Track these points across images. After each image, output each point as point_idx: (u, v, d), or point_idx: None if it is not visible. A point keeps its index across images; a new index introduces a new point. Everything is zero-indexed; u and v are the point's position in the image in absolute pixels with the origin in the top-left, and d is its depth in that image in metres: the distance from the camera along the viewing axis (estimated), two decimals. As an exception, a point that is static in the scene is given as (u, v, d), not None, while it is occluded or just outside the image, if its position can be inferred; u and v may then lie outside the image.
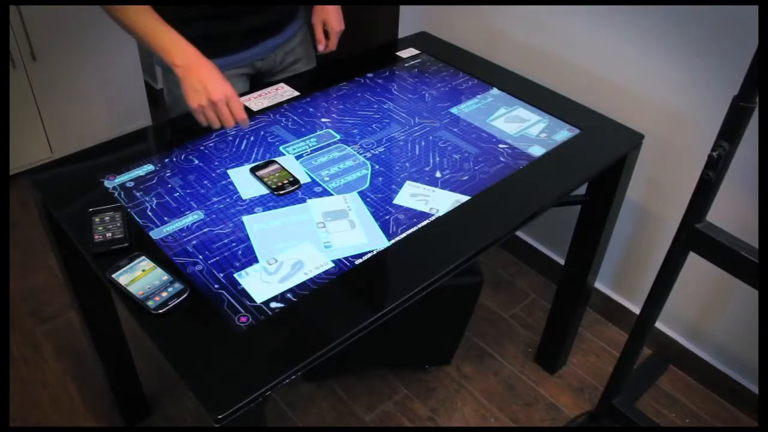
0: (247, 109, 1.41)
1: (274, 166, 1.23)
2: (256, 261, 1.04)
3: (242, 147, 1.30)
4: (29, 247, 2.14)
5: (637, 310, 1.75)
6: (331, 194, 1.19)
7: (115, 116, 2.50)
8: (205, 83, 1.17)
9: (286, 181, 1.20)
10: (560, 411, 1.71)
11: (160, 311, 0.93)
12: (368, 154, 1.30)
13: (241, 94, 1.46)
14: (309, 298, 0.98)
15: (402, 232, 1.11)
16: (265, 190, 1.18)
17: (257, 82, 1.54)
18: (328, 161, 1.27)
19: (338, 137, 1.34)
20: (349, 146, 1.32)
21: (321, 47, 1.57)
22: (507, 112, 1.46)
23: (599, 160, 1.33)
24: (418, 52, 1.70)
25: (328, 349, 0.91)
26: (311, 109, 1.43)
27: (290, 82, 1.52)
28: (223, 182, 1.20)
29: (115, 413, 1.63)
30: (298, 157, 1.28)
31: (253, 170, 1.22)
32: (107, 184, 1.19)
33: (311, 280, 1.01)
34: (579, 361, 1.85)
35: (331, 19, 1.53)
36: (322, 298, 0.98)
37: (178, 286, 0.97)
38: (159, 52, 1.19)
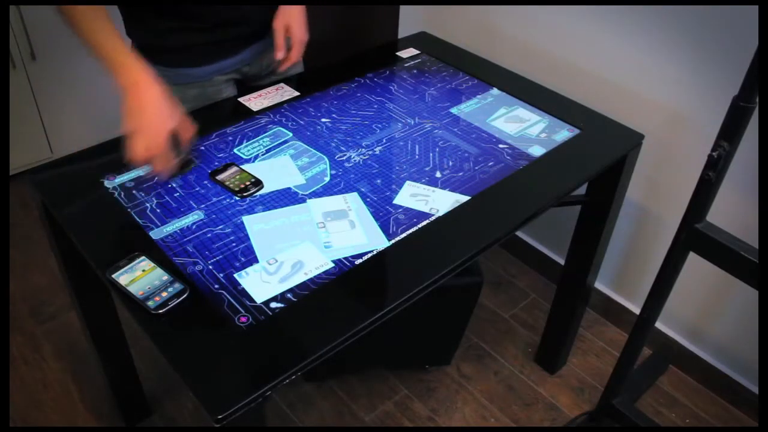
0: (247, 109, 1.41)
1: (233, 169, 1.22)
2: (256, 261, 1.04)
3: (242, 146, 1.30)
4: (29, 247, 2.13)
5: (637, 310, 1.75)
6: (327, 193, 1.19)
7: (115, 116, 2.46)
8: (145, 107, 1.04)
9: (248, 183, 1.19)
10: (560, 411, 1.71)
11: (160, 311, 0.93)
12: (368, 154, 1.30)
13: (235, 97, 1.46)
14: (309, 298, 0.98)
15: (402, 232, 1.11)
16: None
17: (244, 86, 1.52)
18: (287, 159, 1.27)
19: (290, 135, 1.34)
20: (301, 142, 1.32)
21: (279, 55, 1.39)
22: (507, 112, 1.46)
23: (599, 160, 1.33)
24: (418, 52, 1.70)
25: (329, 349, 0.91)
26: (311, 109, 1.43)
27: (290, 82, 1.52)
28: (223, 182, 1.20)
29: (115, 413, 1.63)
30: (254, 159, 1.27)
31: (212, 175, 1.21)
32: (107, 184, 1.19)
33: (311, 280, 1.01)
34: (579, 361, 1.85)
35: (294, 24, 1.38)
36: (322, 298, 0.98)
37: (178, 286, 0.97)
38: (106, 67, 1.06)
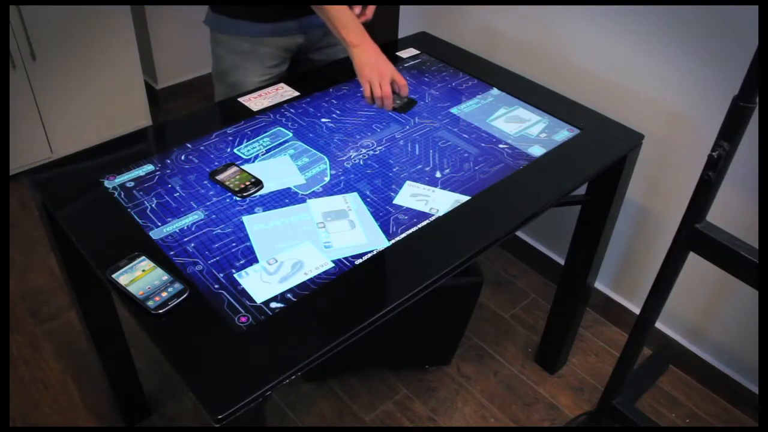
0: (247, 109, 1.41)
1: (233, 169, 1.23)
2: (256, 261, 1.04)
3: (242, 147, 1.30)
4: (29, 247, 2.13)
5: (637, 310, 1.75)
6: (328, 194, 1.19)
7: (115, 116, 2.49)
8: (377, 59, 1.36)
9: (248, 183, 1.19)
10: (560, 411, 1.71)
11: (160, 311, 0.93)
12: (368, 154, 1.30)
13: (235, 97, 1.46)
14: (309, 298, 0.98)
15: (402, 232, 1.11)
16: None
17: (295, 60, 1.61)
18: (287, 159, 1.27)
19: (290, 135, 1.34)
20: (301, 142, 1.32)
21: (357, 11, 1.52)
22: (507, 112, 1.46)
23: (599, 160, 1.33)
24: (418, 52, 1.70)
25: (328, 349, 0.91)
26: (311, 109, 1.43)
27: (290, 82, 1.52)
28: (223, 182, 1.20)
29: (115, 413, 1.63)
30: (254, 159, 1.27)
31: (212, 175, 1.21)
32: (107, 184, 1.19)
33: (311, 280, 1.01)
34: (579, 361, 1.85)
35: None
36: (322, 298, 0.98)
37: (178, 286, 0.97)
38: (338, 31, 1.37)
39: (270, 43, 1.52)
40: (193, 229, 1.09)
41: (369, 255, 1.06)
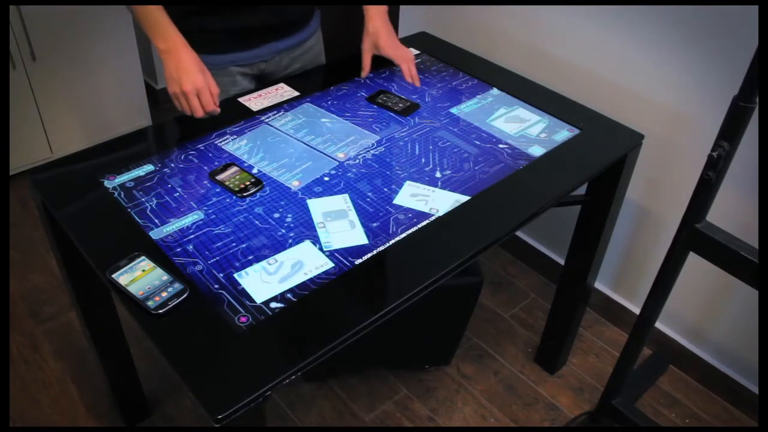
0: (247, 109, 1.41)
1: (233, 169, 1.23)
2: (256, 261, 1.04)
3: (241, 147, 1.30)
4: (29, 247, 2.14)
5: (637, 310, 1.75)
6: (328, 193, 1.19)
7: (115, 116, 2.50)
8: (180, 73, 1.23)
9: (248, 183, 1.19)
10: (560, 411, 1.71)
11: (160, 311, 0.93)
12: (369, 154, 1.30)
13: (242, 93, 1.46)
14: (309, 298, 0.98)
15: (402, 232, 1.11)
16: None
17: (262, 82, 1.53)
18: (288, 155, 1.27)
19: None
20: (301, 142, 1.31)
21: (363, 74, 1.52)
22: (507, 112, 1.46)
23: (599, 160, 1.33)
24: (418, 52, 1.70)
25: (328, 349, 0.91)
26: (311, 109, 1.43)
27: (290, 82, 1.52)
28: (223, 182, 1.20)
29: (115, 413, 1.63)
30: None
31: (212, 175, 1.21)
32: (107, 184, 1.19)
33: (311, 280, 1.01)
34: (579, 361, 1.85)
35: (383, 44, 1.46)
36: (322, 298, 0.98)
37: (178, 286, 0.97)
38: (147, 33, 1.25)
39: (232, 72, 1.45)
40: (193, 229, 1.09)
41: (369, 255, 1.06)
